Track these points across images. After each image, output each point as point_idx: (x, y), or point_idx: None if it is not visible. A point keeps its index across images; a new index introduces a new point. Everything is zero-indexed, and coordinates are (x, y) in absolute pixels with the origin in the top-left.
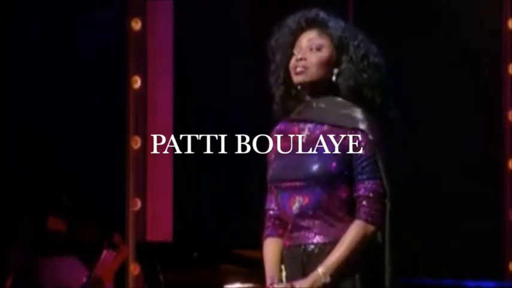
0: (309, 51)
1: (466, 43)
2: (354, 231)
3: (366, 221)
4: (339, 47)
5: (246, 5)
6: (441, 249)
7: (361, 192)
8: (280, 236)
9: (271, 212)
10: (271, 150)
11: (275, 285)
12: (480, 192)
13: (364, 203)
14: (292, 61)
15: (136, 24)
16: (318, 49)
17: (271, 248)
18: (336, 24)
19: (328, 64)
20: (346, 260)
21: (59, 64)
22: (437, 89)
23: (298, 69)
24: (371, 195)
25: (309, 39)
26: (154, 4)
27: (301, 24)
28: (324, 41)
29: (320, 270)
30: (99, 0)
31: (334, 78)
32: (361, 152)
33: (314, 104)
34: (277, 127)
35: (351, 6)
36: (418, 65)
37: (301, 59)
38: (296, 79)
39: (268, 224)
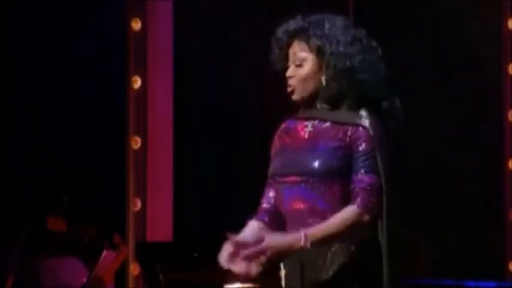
0: (295, 68)
1: (466, 43)
2: (348, 214)
3: (361, 209)
4: (319, 55)
5: (246, 5)
6: (441, 249)
7: (358, 184)
8: (265, 223)
9: (264, 205)
10: (274, 148)
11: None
12: (480, 192)
13: (360, 194)
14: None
15: (136, 24)
16: (300, 65)
17: (251, 224)
18: (315, 31)
19: (312, 77)
20: (330, 235)
21: (58, 64)
22: (437, 89)
23: (289, 89)
24: (368, 188)
25: (293, 53)
26: (154, 4)
27: (285, 38)
28: (304, 54)
29: (302, 233)
30: (99, 0)
31: (324, 83)
32: (361, 147)
33: (318, 105)
34: (282, 126)
35: (351, 6)
36: (418, 65)
37: (289, 77)
38: (291, 97)
39: (257, 213)
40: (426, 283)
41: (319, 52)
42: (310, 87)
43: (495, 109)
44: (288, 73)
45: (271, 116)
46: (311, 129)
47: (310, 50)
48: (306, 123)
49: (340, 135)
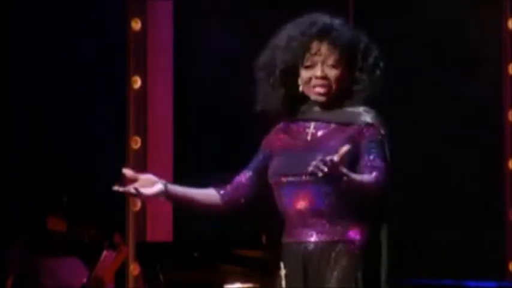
0: (326, 68)
1: (466, 43)
2: (371, 176)
3: (374, 180)
4: (350, 56)
5: (246, 4)
6: (441, 249)
7: (370, 162)
8: (219, 194)
9: (228, 186)
10: (268, 143)
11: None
12: (480, 192)
13: (373, 171)
14: (308, 76)
15: (136, 24)
16: (334, 66)
17: (205, 189)
18: (343, 32)
19: (345, 78)
20: (357, 182)
21: (58, 64)
22: (438, 89)
23: (322, 91)
24: (379, 168)
25: (323, 53)
26: (154, 4)
27: (309, 35)
28: (337, 55)
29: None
30: (99, 0)
31: (364, 84)
32: (372, 138)
33: (319, 104)
34: (280, 125)
35: (351, 6)
36: (418, 65)
37: (322, 78)
38: (318, 98)
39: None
40: (426, 283)
41: (349, 52)
42: (339, 87)
43: (495, 109)
44: (319, 73)
45: (271, 116)
46: (313, 130)
47: (341, 50)
48: (307, 124)
49: (347, 136)
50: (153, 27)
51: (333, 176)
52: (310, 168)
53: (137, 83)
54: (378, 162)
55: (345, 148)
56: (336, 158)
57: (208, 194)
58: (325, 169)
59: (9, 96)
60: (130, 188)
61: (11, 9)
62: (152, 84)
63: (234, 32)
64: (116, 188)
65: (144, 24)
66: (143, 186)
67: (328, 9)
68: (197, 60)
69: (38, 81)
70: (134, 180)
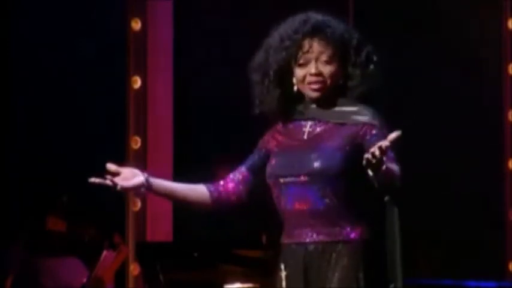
0: (321, 64)
1: (466, 43)
2: (393, 165)
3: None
4: (343, 52)
5: (246, 4)
6: (441, 249)
7: (386, 156)
8: (208, 191)
9: (221, 183)
10: (263, 143)
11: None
12: (480, 192)
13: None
14: (303, 74)
15: (136, 24)
16: (328, 62)
17: (194, 185)
18: (335, 28)
19: (339, 74)
20: (392, 170)
21: (58, 64)
22: (437, 89)
23: (317, 87)
24: (393, 157)
25: (315, 50)
26: (154, 4)
27: (301, 32)
28: (330, 51)
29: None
30: (99, 0)
31: (341, 81)
32: (378, 135)
33: (316, 103)
34: (278, 126)
35: (351, 6)
36: (418, 65)
37: (317, 75)
38: (313, 94)
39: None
40: (426, 283)
41: (342, 48)
42: (333, 83)
43: (495, 109)
44: (313, 70)
45: (270, 117)
46: (310, 129)
47: (334, 46)
48: (303, 122)
49: (345, 134)
50: (153, 27)
51: (379, 163)
52: (367, 156)
53: (137, 83)
54: (391, 154)
55: (394, 134)
56: (387, 143)
57: (197, 190)
58: (379, 155)
59: (9, 96)
60: (107, 180)
61: (11, 9)
62: (152, 84)
63: (234, 32)
64: (92, 179)
65: (144, 24)
66: (124, 179)
67: (328, 9)
68: (197, 60)
69: (38, 81)
70: (117, 175)
